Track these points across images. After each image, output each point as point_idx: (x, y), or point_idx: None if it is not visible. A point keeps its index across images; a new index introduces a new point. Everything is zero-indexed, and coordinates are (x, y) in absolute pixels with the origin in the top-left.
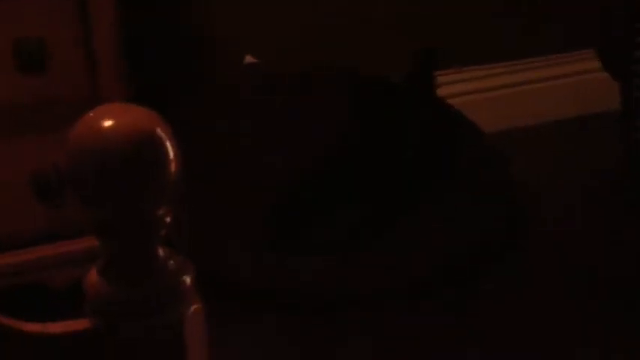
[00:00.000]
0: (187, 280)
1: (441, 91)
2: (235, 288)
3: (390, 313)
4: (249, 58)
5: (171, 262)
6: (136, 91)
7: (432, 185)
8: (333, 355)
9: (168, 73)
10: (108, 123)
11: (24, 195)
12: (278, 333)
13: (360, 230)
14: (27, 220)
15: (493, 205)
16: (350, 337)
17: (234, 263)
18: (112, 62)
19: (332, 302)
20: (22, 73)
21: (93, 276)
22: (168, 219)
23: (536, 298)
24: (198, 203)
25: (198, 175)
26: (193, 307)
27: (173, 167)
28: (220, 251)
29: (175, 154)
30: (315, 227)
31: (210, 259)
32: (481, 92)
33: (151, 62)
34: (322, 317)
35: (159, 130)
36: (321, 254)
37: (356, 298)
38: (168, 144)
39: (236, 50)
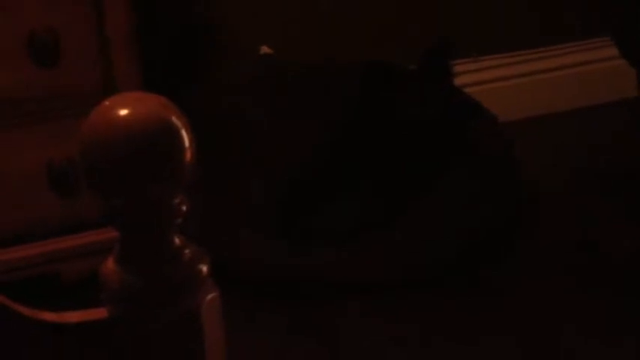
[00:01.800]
0: (204, 268)
1: (458, 80)
2: (246, 277)
3: (401, 300)
4: (264, 49)
5: (187, 250)
6: (148, 79)
7: (443, 171)
8: (341, 343)
9: (180, 62)
10: (123, 112)
11: (39, 186)
12: (289, 322)
13: (370, 217)
14: (41, 211)
15: (502, 193)
16: (360, 325)
17: (245, 253)
18: (126, 53)
19: (342, 290)
20: (37, 64)
21: (109, 265)
22: (184, 207)
23: (545, 285)
24: (208, 190)
25: (208, 162)
26: (210, 296)
27: (188, 156)
28: (231, 240)
29: (190, 143)
30: (325, 214)
31: (220, 247)
32: (497, 81)
33: (164, 52)
34: (332, 305)
35: (174, 119)
36: (331, 241)
37: (367, 286)
38: (183, 132)
39: (250, 40)
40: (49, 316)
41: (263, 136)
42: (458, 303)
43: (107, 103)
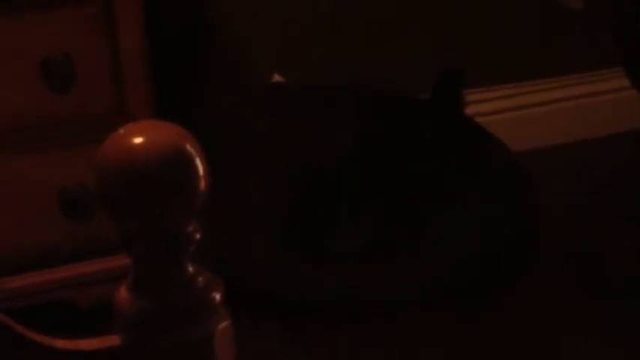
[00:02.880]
0: (217, 296)
1: (469, 110)
2: (259, 296)
3: (410, 321)
4: (276, 77)
5: (201, 278)
6: (162, 103)
7: (453, 196)
8: None
9: (191, 88)
10: (137, 140)
11: (51, 212)
12: (300, 341)
13: (381, 237)
14: (54, 237)
15: (512, 216)
16: (371, 344)
17: (258, 272)
18: (140, 78)
19: (355, 311)
20: (50, 89)
21: (123, 292)
22: (197, 235)
23: (552, 309)
24: (222, 206)
25: (222, 180)
26: (223, 324)
27: (202, 184)
28: (244, 259)
29: (204, 171)
30: (337, 231)
31: (232, 266)
32: (509, 111)
33: (175, 77)
34: (345, 326)
35: (188, 147)
36: (342, 260)
37: (380, 306)
38: (197, 161)
39: (262, 68)
40: (62, 344)
41: (272, 152)
42: (467, 325)
43: (122, 131)
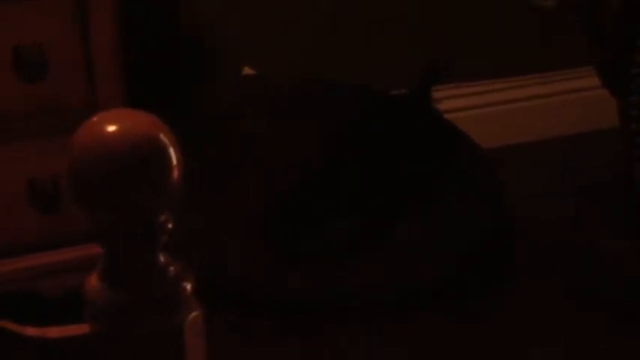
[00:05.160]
0: (187, 286)
1: (442, 106)
2: (233, 295)
3: (384, 322)
4: (247, 70)
5: (172, 268)
6: (133, 96)
7: (424, 195)
8: None
9: (165, 79)
10: (111, 129)
11: (20, 202)
12: (275, 341)
13: (355, 237)
14: (22, 228)
15: (483, 216)
16: (343, 345)
17: (233, 271)
18: (111, 69)
19: (327, 310)
20: (21, 80)
21: (93, 280)
22: (169, 225)
23: (527, 309)
24: (198, 208)
25: (197, 180)
26: (193, 314)
27: (175, 174)
28: (219, 258)
29: (178, 160)
30: (312, 234)
31: (208, 264)
32: (479, 108)
33: (148, 69)
34: (317, 326)
35: (162, 136)
36: (317, 261)
37: (352, 306)
38: (171, 150)
39: (235, 60)
40: (32, 331)
41: (251, 158)
42: (444, 327)
43: (95, 119)
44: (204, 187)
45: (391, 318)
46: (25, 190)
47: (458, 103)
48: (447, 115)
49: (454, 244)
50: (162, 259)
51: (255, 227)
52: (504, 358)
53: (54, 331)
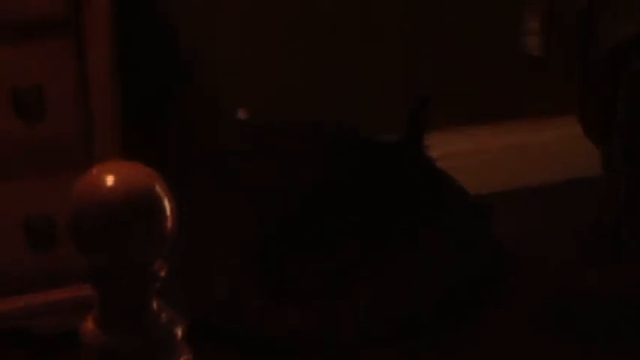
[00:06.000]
0: (179, 332)
1: (433, 151)
2: (223, 334)
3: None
4: (242, 113)
5: (164, 314)
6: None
7: (413, 237)
8: None
9: (161, 115)
10: (108, 182)
11: (15, 240)
12: None
13: (342, 275)
14: (16, 266)
15: (472, 255)
16: None
17: (222, 309)
18: (108, 111)
19: (318, 348)
20: (19, 119)
21: (89, 324)
22: (162, 273)
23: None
24: (187, 246)
25: (186, 220)
26: (184, 358)
27: (169, 223)
28: (208, 297)
29: (172, 211)
30: (301, 268)
31: (197, 304)
32: (466, 155)
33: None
34: None
35: (157, 188)
36: (306, 296)
37: (342, 344)
38: (165, 201)
39: (230, 103)
40: None
41: (239, 195)
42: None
43: (94, 171)
44: (195, 221)
45: (378, 353)
46: (22, 228)
47: (448, 148)
48: (437, 162)
49: (440, 276)
50: (154, 305)
51: (246, 262)
52: None
53: None
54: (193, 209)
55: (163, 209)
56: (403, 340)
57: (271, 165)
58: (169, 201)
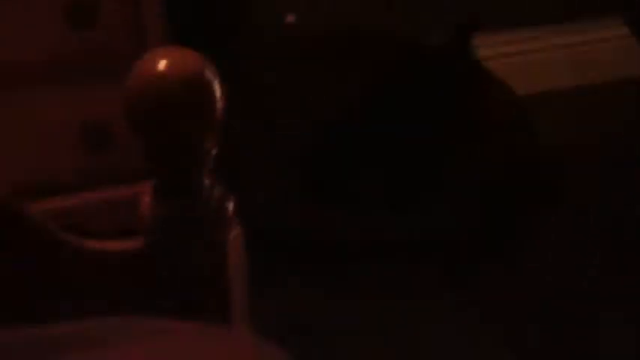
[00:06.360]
0: (230, 206)
1: (480, 53)
2: (267, 236)
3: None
4: (290, 18)
5: (216, 189)
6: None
7: (459, 147)
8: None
9: (206, 28)
10: (162, 64)
11: (73, 144)
12: (307, 283)
13: (387, 189)
14: (74, 167)
15: (518, 169)
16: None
17: (266, 214)
18: (156, 17)
19: (357, 255)
20: (74, 26)
21: (146, 199)
22: (214, 151)
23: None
24: (234, 146)
25: (235, 121)
26: (234, 232)
27: (219, 105)
28: (252, 201)
29: (221, 94)
30: (343, 181)
31: (242, 209)
32: (515, 55)
33: (190, 18)
34: (348, 268)
35: (207, 72)
36: (354, 207)
37: (379, 251)
38: (215, 84)
39: (276, 9)
40: (92, 244)
41: (287, 102)
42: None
43: (149, 55)
44: (244, 123)
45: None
46: (79, 131)
47: (494, 50)
48: (484, 63)
49: (489, 191)
50: (207, 181)
51: (292, 166)
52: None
53: (112, 245)
54: (241, 112)
55: (213, 91)
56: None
57: (319, 70)
58: (218, 84)
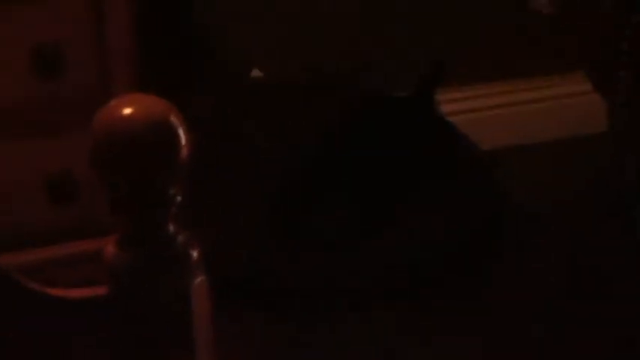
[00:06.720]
0: (194, 253)
1: (444, 108)
2: (233, 279)
3: (383, 310)
4: (255, 72)
5: (181, 236)
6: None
7: (423, 186)
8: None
9: (177, 77)
10: (128, 111)
11: (36, 196)
12: (284, 329)
13: (355, 226)
14: (39, 221)
15: (479, 206)
16: (348, 333)
17: (235, 259)
18: (125, 64)
19: (329, 298)
20: (39, 76)
21: (111, 247)
22: (178, 198)
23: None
24: (203, 193)
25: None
26: (199, 279)
27: (184, 152)
28: (225, 251)
29: (186, 140)
30: (314, 219)
31: (214, 258)
32: (478, 111)
33: (162, 68)
34: (320, 314)
35: (172, 118)
36: (319, 246)
37: (353, 293)
38: (180, 130)
39: (243, 63)
40: (55, 292)
41: (254, 145)
42: (443, 309)
43: (114, 102)
44: (210, 174)
45: (385, 305)
46: (43, 184)
47: (459, 105)
48: (448, 117)
49: (449, 230)
50: (171, 228)
51: (262, 215)
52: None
53: (75, 292)
54: (209, 166)
55: (179, 137)
56: (414, 290)
57: (285, 121)
58: (184, 131)
